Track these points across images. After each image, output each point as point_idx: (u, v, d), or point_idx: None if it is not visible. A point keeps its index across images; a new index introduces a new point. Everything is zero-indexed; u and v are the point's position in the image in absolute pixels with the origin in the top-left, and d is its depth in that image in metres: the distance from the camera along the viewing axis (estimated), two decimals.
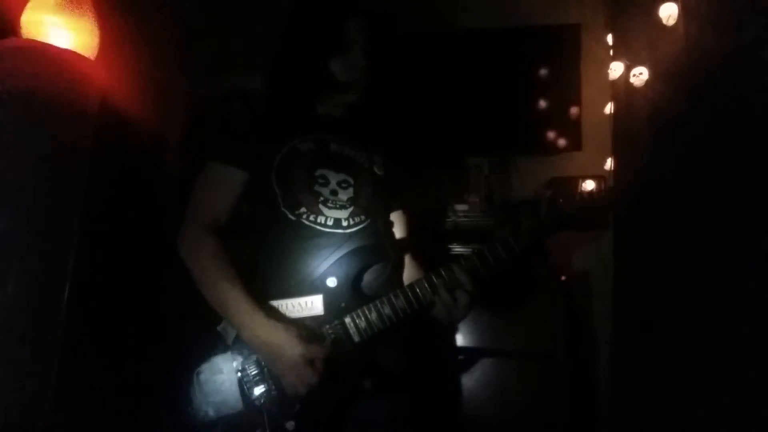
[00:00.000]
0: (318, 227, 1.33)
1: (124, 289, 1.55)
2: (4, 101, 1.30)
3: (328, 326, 1.27)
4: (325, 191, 1.37)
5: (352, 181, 1.41)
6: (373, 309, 1.28)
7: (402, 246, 1.53)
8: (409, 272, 1.50)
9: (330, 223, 1.34)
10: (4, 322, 1.23)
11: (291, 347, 1.20)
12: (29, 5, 1.43)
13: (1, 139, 1.29)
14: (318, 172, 1.38)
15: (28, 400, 1.23)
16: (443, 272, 1.32)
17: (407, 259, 1.53)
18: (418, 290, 1.30)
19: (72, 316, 1.30)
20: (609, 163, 2.17)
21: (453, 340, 2.18)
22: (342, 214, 1.36)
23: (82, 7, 1.47)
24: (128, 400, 1.51)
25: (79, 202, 1.36)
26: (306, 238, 1.33)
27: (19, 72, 1.33)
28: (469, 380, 2.15)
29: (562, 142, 2.48)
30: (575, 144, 2.50)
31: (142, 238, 1.67)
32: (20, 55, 1.35)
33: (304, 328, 1.25)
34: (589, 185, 2.22)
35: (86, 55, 1.47)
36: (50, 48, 1.39)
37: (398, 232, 1.56)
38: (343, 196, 1.38)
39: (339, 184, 1.39)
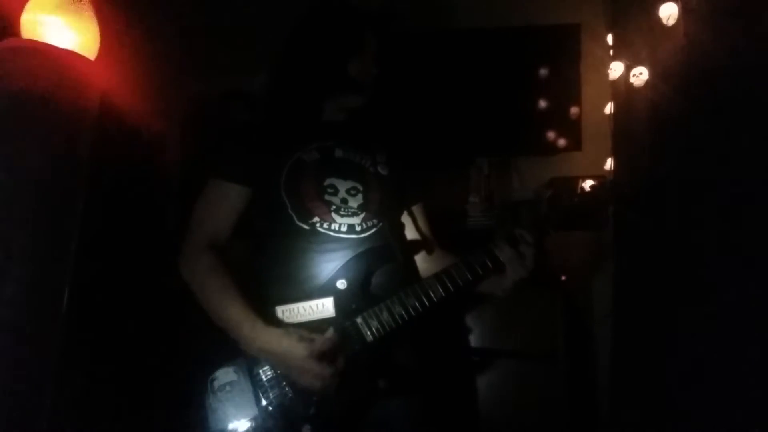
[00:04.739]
0: (332, 233, 1.34)
1: (124, 289, 1.55)
2: (3, 102, 1.30)
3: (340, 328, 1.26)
4: (336, 200, 1.38)
5: (360, 188, 1.41)
6: (384, 308, 1.28)
7: (414, 246, 1.52)
8: (437, 264, 1.46)
9: (344, 229, 1.35)
10: (4, 322, 1.22)
11: (294, 351, 1.19)
12: (29, 5, 1.42)
13: None
14: (326, 182, 1.39)
15: (28, 401, 1.23)
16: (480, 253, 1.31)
17: (435, 252, 1.53)
18: (428, 287, 1.29)
19: (72, 317, 1.30)
20: (609, 163, 2.17)
21: (467, 340, 2.16)
22: (355, 220, 1.37)
23: (82, 8, 1.47)
24: (128, 401, 1.51)
25: (79, 203, 1.35)
26: (319, 243, 1.33)
27: (19, 72, 1.32)
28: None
29: (561, 142, 2.48)
30: (575, 144, 2.50)
31: (143, 239, 1.67)
32: (20, 56, 1.35)
33: (306, 329, 1.24)
34: (588, 185, 2.22)
35: (86, 55, 1.47)
36: (50, 48, 1.39)
37: (422, 226, 1.55)
38: (354, 203, 1.39)
39: (348, 191, 1.40)
